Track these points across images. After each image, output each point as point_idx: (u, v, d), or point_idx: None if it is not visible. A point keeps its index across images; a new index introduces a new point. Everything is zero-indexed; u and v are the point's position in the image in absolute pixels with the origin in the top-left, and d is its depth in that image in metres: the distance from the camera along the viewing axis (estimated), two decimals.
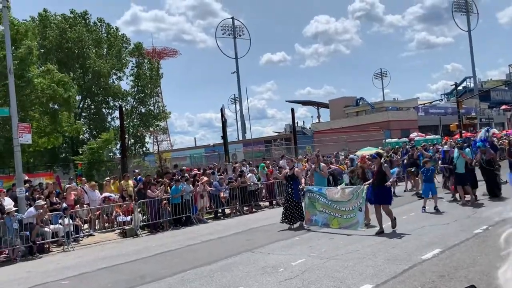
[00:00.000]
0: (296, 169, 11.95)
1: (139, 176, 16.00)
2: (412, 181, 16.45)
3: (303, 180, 11.57)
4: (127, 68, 32.15)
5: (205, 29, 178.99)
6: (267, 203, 16.85)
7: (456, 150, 13.30)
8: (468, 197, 12.54)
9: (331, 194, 10.33)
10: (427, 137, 39.88)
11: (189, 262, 8.47)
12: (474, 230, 8.74)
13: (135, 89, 31.57)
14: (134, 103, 31.97)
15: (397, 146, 23.27)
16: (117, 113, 29.19)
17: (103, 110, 32.46)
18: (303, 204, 11.26)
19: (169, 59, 76.93)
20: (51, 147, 24.53)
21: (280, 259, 7.98)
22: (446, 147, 15.94)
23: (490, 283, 5.56)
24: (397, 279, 6.14)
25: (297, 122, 37.57)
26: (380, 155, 10.29)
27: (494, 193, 12.79)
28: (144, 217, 13.45)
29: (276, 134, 56.53)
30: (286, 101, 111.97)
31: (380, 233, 9.24)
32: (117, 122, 28.79)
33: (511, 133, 36.91)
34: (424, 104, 62.63)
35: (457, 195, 12.97)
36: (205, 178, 15.47)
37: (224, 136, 23.05)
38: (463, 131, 36.95)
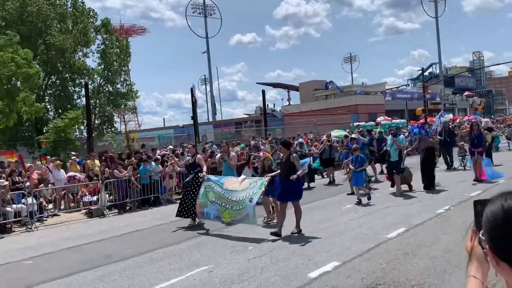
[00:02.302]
0: (198, 156, 10.45)
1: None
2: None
3: (205, 168, 9.79)
4: (94, 44, 31.20)
5: (173, 7, 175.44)
6: None
7: (389, 137, 12.49)
8: (404, 187, 11.79)
9: (228, 183, 8.88)
10: (393, 121, 40.76)
11: (157, 242, 8.40)
12: (437, 210, 9.04)
13: (102, 67, 30.70)
14: (101, 81, 31.13)
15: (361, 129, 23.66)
16: (84, 91, 28.40)
17: (69, 88, 31.48)
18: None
19: (137, 37, 74.90)
20: (12, 126, 23.64)
21: (250, 238, 8.04)
22: (354, 135, 15.33)
23: (451, 260, 5.79)
24: (363, 256, 6.29)
25: (267, 105, 37.55)
26: (287, 143, 8.87)
27: (428, 185, 11.86)
28: (111, 197, 13.23)
29: (247, 116, 56.45)
30: (257, 83, 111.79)
31: (276, 234, 7.87)
32: (84, 100, 28.04)
33: (472, 118, 38.19)
34: (391, 89, 63.83)
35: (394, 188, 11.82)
36: (176, 159, 15.29)
37: (194, 117, 22.78)
38: (428, 116, 37.94)
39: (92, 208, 12.63)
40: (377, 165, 15.34)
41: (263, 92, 30.07)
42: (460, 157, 16.14)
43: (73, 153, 17.33)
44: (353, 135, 14.77)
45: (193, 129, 23.62)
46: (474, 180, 12.38)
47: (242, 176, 9.28)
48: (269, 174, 8.66)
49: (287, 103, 71.02)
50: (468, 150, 13.58)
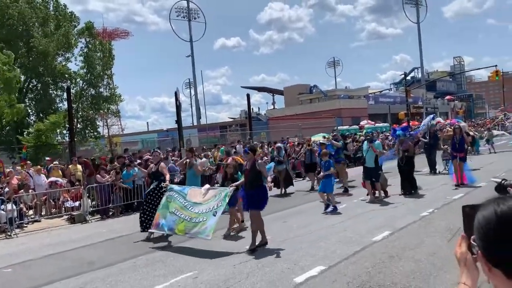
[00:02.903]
0: (162, 164, 9.70)
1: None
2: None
3: (168, 177, 9.29)
4: (76, 48, 30.80)
5: (157, 11, 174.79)
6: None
7: (365, 142, 12.16)
8: (377, 194, 11.55)
9: (192, 194, 8.35)
10: (377, 125, 41.21)
11: (141, 248, 8.28)
12: (421, 213, 9.12)
13: (85, 71, 30.31)
14: (84, 85, 30.73)
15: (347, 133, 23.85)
16: (66, 95, 27.96)
17: (51, 91, 30.97)
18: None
19: (120, 41, 74.36)
20: None
21: (235, 243, 7.98)
22: (322, 140, 14.58)
23: (435, 263, 5.82)
24: (348, 260, 6.29)
25: (252, 108, 37.57)
26: (253, 149, 8.15)
27: (407, 190, 11.80)
28: (94, 202, 13.01)
29: (232, 120, 56.36)
30: (242, 87, 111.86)
31: (252, 250, 7.24)
32: (66, 104, 27.59)
33: (454, 122, 38.79)
34: (374, 93, 64.49)
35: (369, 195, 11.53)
36: (161, 164, 15.13)
37: (179, 120, 22.56)
38: (411, 120, 38.41)
39: (74, 213, 12.40)
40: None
41: (248, 96, 30.07)
42: (444, 161, 16.13)
43: (47, 158, 16.90)
44: (321, 140, 14.29)
45: (177, 133, 23.43)
46: (456, 185, 12.40)
47: (206, 186, 8.69)
48: (234, 184, 8.24)
49: (272, 107, 71.26)
50: (450, 154, 13.45)
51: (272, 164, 11.34)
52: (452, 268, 5.57)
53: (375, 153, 11.42)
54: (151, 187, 9.45)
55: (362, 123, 41.15)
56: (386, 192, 11.75)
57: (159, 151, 11.86)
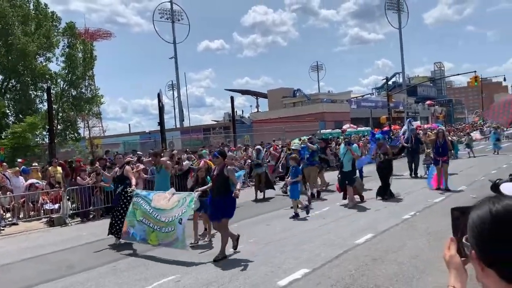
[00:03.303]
0: (127, 167, 9.25)
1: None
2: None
3: (133, 181, 8.78)
4: (57, 48, 30.29)
5: (140, 12, 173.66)
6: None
7: (342, 146, 11.96)
8: (357, 198, 11.44)
9: (157, 200, 7.94)
10: (359, 128, 41.63)
11: (122, 251, 8.15)
12: (403, 216, 9.20)
13: (66, 71, 29.84)
14: (65, 85, 30.24)
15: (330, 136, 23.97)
16: (46, 96, 27.46)
17: (31, 92, 30.37)
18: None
19: (103, 41, 73.49)
20: None
21: (217, 247, 7.89)
22: (295, 145, 13.71)
23: (417, 266, 5.86)
24: (332, 263, 6.29)
25: (236, 111, 37.52)
26: (222, 153, 7.75)
27: (381, 195, 11.69)
28: (74, 205, 12.77)
29: (215, 122, 56.21)
30: (226, 89, 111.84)
31: (220, 259, 6.90)
32: (46, 105, 27.11)
33: (434, 126, 39.43)
34: (356, 97, 65.15)
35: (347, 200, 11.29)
36: (141, 166, 14.96)
37: (161, 122, 22.40)
38: (392, 124, 38.89)
39: (53, 216, 12.14)
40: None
41: (232, 98, 29.99)
42: (425, 165, 16.03)
43: (19, 160, 16.50)
44: (293, 146, 13.59)
45: (160, 135, 23.24)
46: (437, 189, 12.38)
47: (171, 190, 8.15)
48: (200, 188, 7.92)
49: (256, 110, 71.33)
50: (433, 159, 13.10)
51: (243, 171, 10.29)
52: (435, 270, 5.62)
53: (352, 157, 11.23)
54: (118, 191, 9.03)
55: (344, 127, 41.50)
56: (362, 197, 11.58)
57: (121, 154, 11.21)
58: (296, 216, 10.04)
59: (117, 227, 8.67)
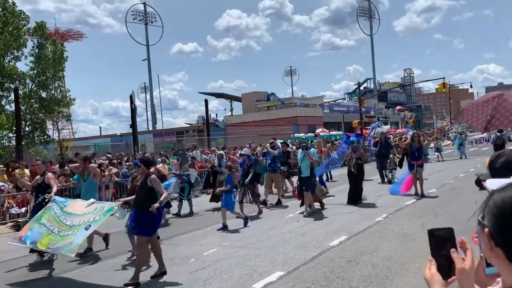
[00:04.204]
0: (49, 174, 8.42)
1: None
2: (288, 183, 14.63)
3: (54, 189, 7.94)
4: (25, 47, 29.38)
5: (112, 14, 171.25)
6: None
7: (300, 151, 11.34)
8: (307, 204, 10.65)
9: (71, 206, 7.28)
10: (331, 132, 42.16)
11: (92, 255, 7.93)
12: (376, 218, 9.30)
13: (35, 71, 28.99)
14: (34, 86, 29.38)
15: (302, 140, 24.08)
16: (13, 96, 26.52)
17: None
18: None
19: (73, 42, 72.02)
20: None
21: (191, 250, 7.79)
22: (245, 150, 12.96)
23: (391, 267, 5.92)
24: (307, 265, 6.28)
25: (210, 114, 37.28)
26: (145, 161, 6.78)
27: (354, 200, 11.44)
28: None
29: (188, 125, 55.77)
30: (200, 92, 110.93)
31: (130, 285, 6.00)
32: (13, 106, 26.19)
33: (404, 131, 40.28)
34: (329, 102, 65.95)
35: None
36: (114, 170, 14.67)
37: (133, 124, 22.03)
38: (364, 129, 39.55)
39: (20, 220, 11.72)
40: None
41: (206, 101, 29.86)
42: (388, 170, 15.58)
43: None
44: (243, 151, 12.83)
45: (132, 138, 22.84)
46: (415, 194, 11.89)
47: (91, 200, 7.34)
48: (122, 199, 7.26)
49: (230, 113, 71.16)
50: (408, 163, 12.51)
51: (173, 179, 8.67)
52: (407, 272, 5.69)
53: (311, 162, 10.71)
54: (38, 200, 8.12)
55: (317, 131, 41.98)
56: (322, 204, 11.13)
57: (40, 161, 10.14)
58: (224, 228, 9.25)
59: None
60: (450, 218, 8.38)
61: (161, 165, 14.70)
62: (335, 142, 25.41)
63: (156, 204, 6.19)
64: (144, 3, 71.55)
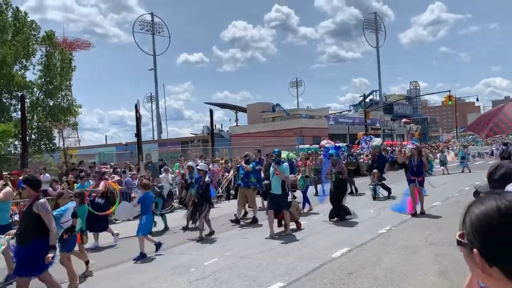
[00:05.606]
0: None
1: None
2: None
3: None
4: (34, 57, 29.74)
5: (119, 24, 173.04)
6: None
7: (272, 164, 9.98)
8: (286, 225, 9.61)
9: None
10: (336, 144, 41.93)
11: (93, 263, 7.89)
12: (379, 230, 9.22)
13: (43, 80, 29.28)
14: (41, 95, 29.65)
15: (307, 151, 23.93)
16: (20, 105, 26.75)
17: (5, 100, 29.63)
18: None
19: (81, 52, 72.80)
20: None
21: (192, 259, 7.75)
22: (201, 165, 10.59)
23: (393, 280, 5.85)
24: (308, 276, 6.22)
25: (215, 125, 37.31)
26: (31, 181, 5.46)
27: (334, 216, 10.80)
28: None
29: (193, 135, 55.92)
30: (205, 102, 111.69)
31: None
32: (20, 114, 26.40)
33: (409, 143, 40.03)
34: (334, 113, 65.99)
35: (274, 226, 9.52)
36: (116, 177, 14.67)
37: (138, 133, 22.11)
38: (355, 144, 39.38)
39: None
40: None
41: (211, 111, 29.92)
42: (371, 186, 14.58)
43: None
44: (199, 166, 10.64)
45: (137, 147, 22.90)
46: (412, 214, 10.84)
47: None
48: (12, 231, 5.96)
49: (235, 123, 71.33)
50: (407, 178, 11.42)
51: (71, 204, 6.42)
52: (409, 285, 5.61)
53: (281, 178, 9.46)
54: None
55: (322, 142, 41.82)
56: (298, 224, 10.08)
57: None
58: (142, 257, 7.98)
59: None
60: (454, 231, 8.26)
61: (164, 174, 14.74)
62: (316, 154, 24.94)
63: (50, 255, 5.03)
64: (152, 14, 72.41)
